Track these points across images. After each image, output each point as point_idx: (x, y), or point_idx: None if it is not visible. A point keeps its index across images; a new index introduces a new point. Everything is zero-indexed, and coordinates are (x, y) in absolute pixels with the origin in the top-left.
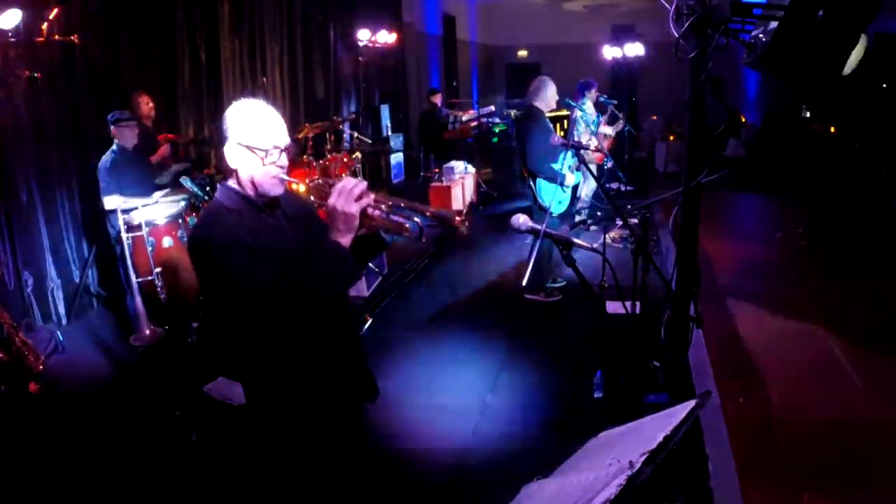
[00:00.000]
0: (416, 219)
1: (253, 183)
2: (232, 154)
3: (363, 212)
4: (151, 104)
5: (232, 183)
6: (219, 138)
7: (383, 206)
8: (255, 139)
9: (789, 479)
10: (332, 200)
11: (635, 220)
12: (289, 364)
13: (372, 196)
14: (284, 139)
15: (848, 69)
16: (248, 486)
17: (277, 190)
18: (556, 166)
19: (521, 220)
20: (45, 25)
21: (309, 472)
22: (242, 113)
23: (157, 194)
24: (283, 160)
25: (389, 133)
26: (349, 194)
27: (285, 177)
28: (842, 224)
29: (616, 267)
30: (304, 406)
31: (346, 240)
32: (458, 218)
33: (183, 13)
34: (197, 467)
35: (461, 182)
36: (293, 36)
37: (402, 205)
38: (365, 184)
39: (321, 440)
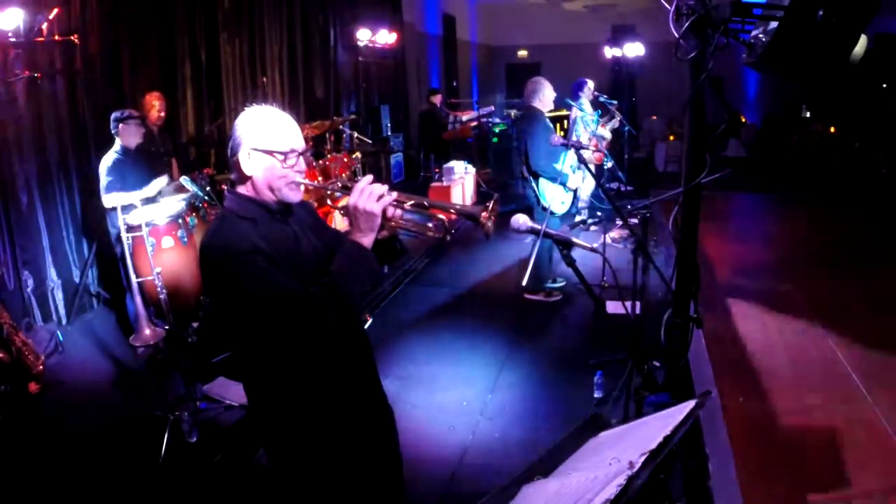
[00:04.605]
0: (440, 216)
1: (271, 189)
2: (247, 160)
3: (384, 213)
4: (163, 113)
5: (244, 190)
6: (232, 146)
7: (406, 205)
8: (273, 143)
9: (789, 479)
10: (352, 199)
11: (635, 220)
12: (309, 382)
13: (394, 194)
14: (301, 142)
15: (855, 57)
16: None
17: (296, 196)
18: (557, 166)
19: (521, 220)
20: (45, 25)
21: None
22: (256, 118)
23: (159, 182)
24: (301, 164)
25: (389, 133)
26: (370, 193)
27: (304, 181)
28: (842, 224)
29: (616, 267)
30: (324, 429)
31: (367, 240)
32: (483, 214)
33: (183, 13)
34: (197, 467)
35: (461, 182)
36: (293, 36)
37: (426, 203)
38: (386, 186)
39: (349, 468)
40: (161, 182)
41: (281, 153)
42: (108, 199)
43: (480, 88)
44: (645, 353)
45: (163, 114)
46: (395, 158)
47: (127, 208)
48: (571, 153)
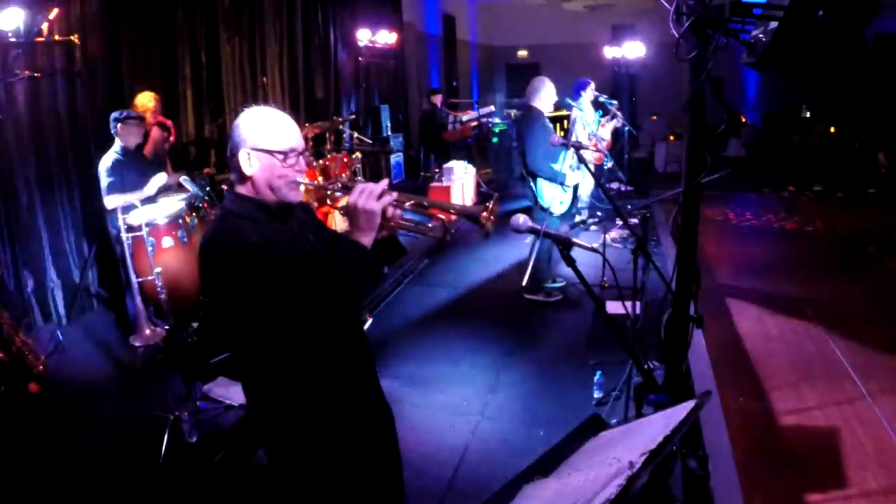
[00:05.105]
0: (440, 216)
1: (270, 188)
2: (247, 160)
3: (384, 212)
4: (158, 117)
5: (243, 190)
6: (231, 147)
7: (406, 205)
8: (272, 142)
9: (789, 479)
10: (353, 198)
11: (635, 220)
12: (308, 382)
13: (394, 194)
14: (301, 142)
15: None
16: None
17: (296, 196)
18: (556, 166)
19: (521, 220)
20: (45, 25)
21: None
22: (256, 118)
23: (158, 180)
24: (301, 164)
25: (389, 133)
26: (371, 193)
27: (304, 181)
28: (842, 224)
29: (616, 267)
30: (322, 426)
31: (367, 239)
32: (483, 214)
33: (183, 13)
34: (197, 467)
35: (461, 182)
36: (293, 36)
37: (426, 203)
38: (385, 182)
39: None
40: (159, 180)
41: (280, 153)
42: (109, 201)
43: (480, 88)
44: (645, 353)
45: (159, 114)
46: (395, 158)
47: (127, 208)
48: (571, 153)
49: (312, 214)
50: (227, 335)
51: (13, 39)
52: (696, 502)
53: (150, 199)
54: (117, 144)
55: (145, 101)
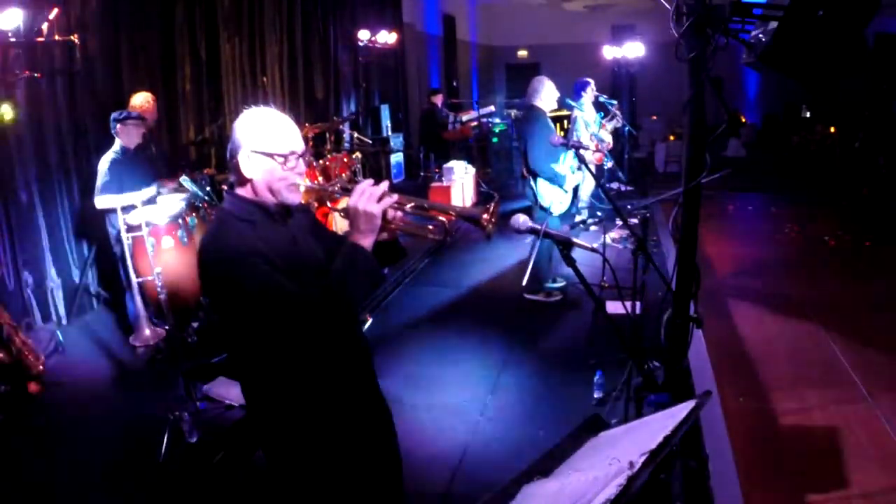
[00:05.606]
0: (441, 218)
1: (270, 191)
2: (247, 162)
3: (384, 214)
4: (156, 114)
5: (243, 192)
6: (231, 148)
7: (407, 207)
8: (272, 145)
9: (789, 478)
10: (353, 200)
11: (635, 220)
12: (307, 383)
13: (395, 196)
14: (301, 144)
15: None
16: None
17: (295, 198)
18: (556, 166)
19: (521, 220)
20: (45, 25)
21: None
22: (255, 120)
23: (148, 192)
24: (301, 166)
25: (389, 133)
26: (371, 194)
27: (304, 183)
28: (842, 224)
29: (616, 267)
30: (322, 430)
31: (367, 241)
32: (484, 216)
33: (183, 13)
34: (197, 467)
35: (461, 182)
36: (293, 36)
37: (426, 205)
38: (386, 184)
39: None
40: (150, 192)
41: (280, 155)
42: (100, 201)
43: (480, 88)
44: (645, 353)
45: (156, 115)
46: (395, 158)
47: (127, 208)
48: (571, 153)
49: (312, 216)
50: (226, 336)
51: (13, 39)
52: (696, 502)
53: (149, 200)
54: (117, 144)
55: (142, 101)
